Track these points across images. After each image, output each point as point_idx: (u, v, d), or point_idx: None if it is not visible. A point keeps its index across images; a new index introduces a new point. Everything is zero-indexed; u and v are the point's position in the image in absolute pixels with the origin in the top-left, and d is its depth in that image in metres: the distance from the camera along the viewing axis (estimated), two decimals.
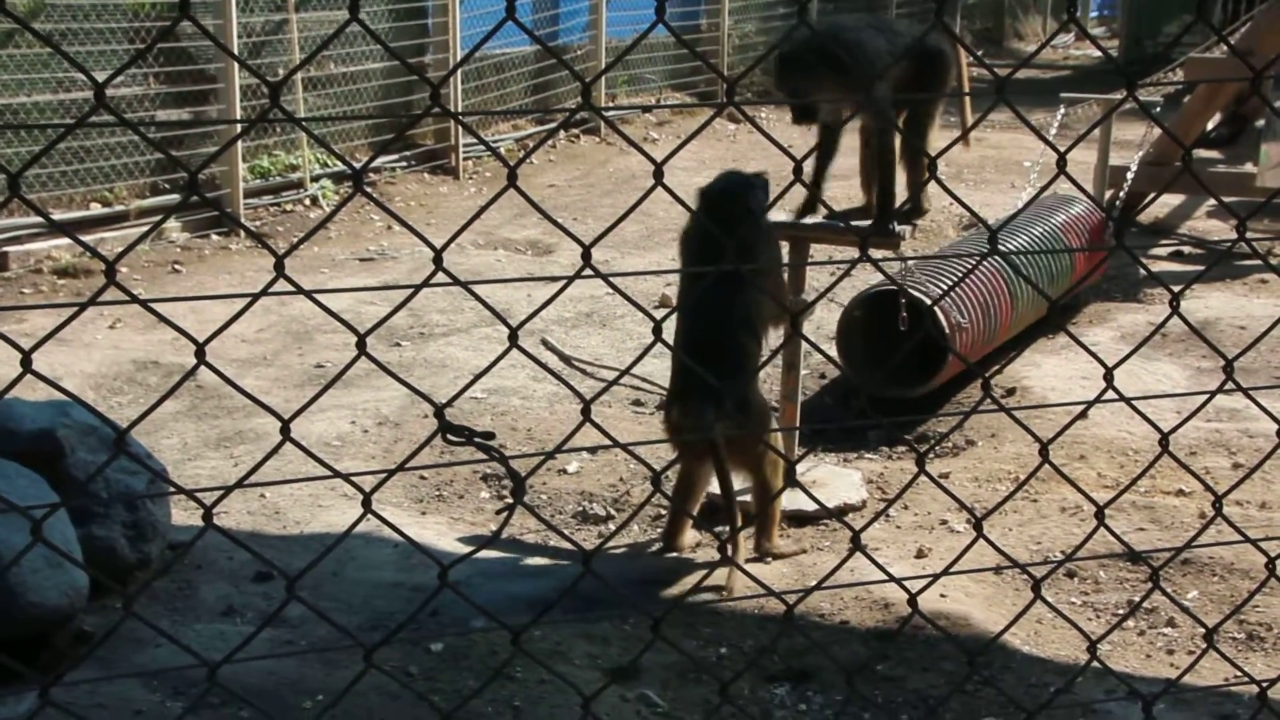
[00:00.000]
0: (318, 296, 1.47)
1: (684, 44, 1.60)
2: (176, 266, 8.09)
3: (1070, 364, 6.47)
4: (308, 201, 9.48)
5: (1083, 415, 5.79)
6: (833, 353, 6.18)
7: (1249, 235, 1.79)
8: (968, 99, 5.57)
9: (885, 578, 1.75)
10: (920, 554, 4.68)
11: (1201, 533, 2.10)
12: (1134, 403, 1.91)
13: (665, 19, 1.33)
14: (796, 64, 4.57)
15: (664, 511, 4.98)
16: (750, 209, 4.38)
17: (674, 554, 4.70)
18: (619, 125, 12.60)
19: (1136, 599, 4.34)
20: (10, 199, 1.27)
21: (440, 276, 1.52)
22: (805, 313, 4.71)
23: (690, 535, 4.73)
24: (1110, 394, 1.66)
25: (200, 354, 1.34)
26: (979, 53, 19.16)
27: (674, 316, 4.57)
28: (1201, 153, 10.05)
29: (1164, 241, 9.15)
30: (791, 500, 4.91)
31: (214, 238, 8.59)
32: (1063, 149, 1.69)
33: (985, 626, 4.10)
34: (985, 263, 6.00)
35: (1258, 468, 2.23)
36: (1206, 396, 1.75)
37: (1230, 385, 1.76)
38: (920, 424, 6.11)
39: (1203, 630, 4.20)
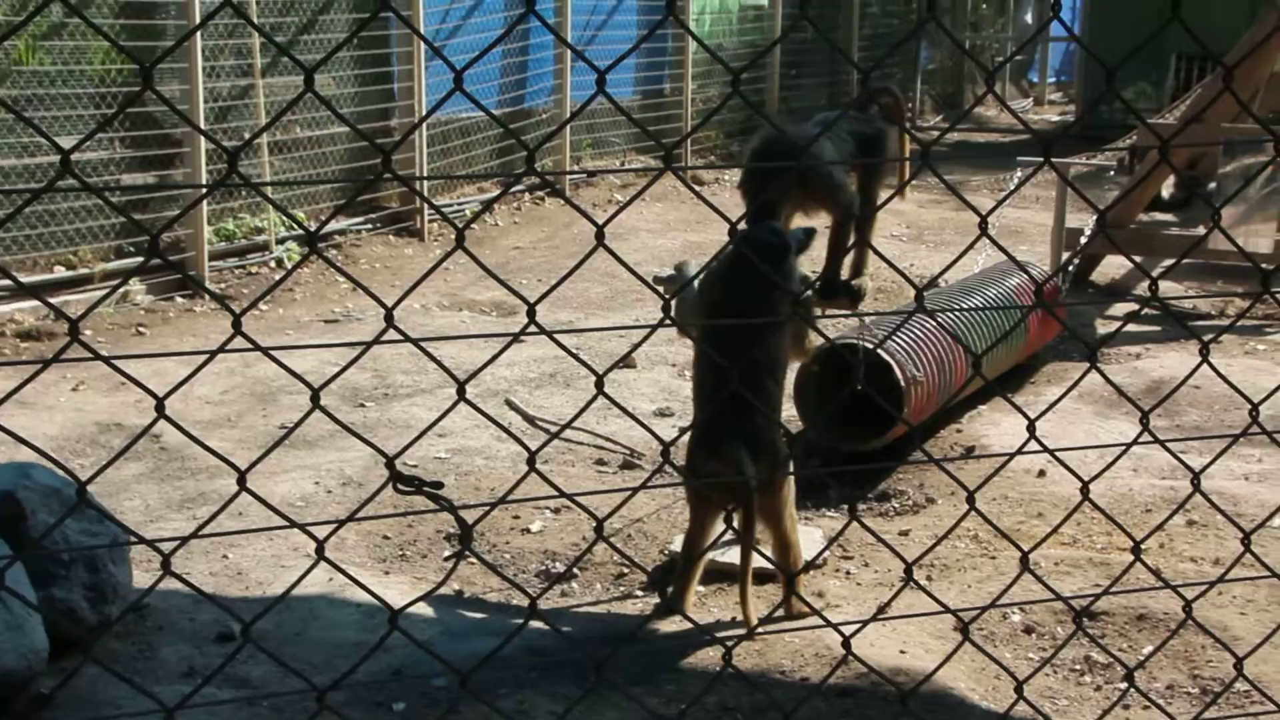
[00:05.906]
0: (275, 354, 1.51)
1: (622, 111, 1.67)
2: (140, 329, 8.11)
3: None
4: (273, 264, 9.51)
5: (1011, 467, 5.92)
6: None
7: (1197, 295, 1.86)
8: (906, 162, 5.82)
9: (822, 625, 1.80)
10: (880, 611, 4.72)
11: (1120, 577, 2.16)
12: (1090, 452, 1.97)
13: (605, 89, 1.40)
14: (761, 175, 4.80)
15: (625, 569, 5.02)
16: (785, 262, 4.49)
17: (679, 614, 4.57)
18: (581, 187, 12.72)
19: (1094, 654, 4.39)
20: None
21: (400, 334, 1.57)
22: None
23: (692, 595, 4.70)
24: (1034, 445, 1.73)
25: (160, 408, 1.38)
26: (939, 118, 19.37)
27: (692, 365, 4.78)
28: (1156, 215, 10.24)
29: (1120, 302, 9.30)
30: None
31: (178, 300, 8.62)
32: (1015, 211, 1.77)
33: (943, 682, 4.13)
34: (941, 319, 6.11)
35: (1170, 516, 2.30)
36: (1124, 447, 1.82)
37: (1147, 437, 1.83)
38: (882, 480, 6.17)
39: (1156, 684, 4.27)
